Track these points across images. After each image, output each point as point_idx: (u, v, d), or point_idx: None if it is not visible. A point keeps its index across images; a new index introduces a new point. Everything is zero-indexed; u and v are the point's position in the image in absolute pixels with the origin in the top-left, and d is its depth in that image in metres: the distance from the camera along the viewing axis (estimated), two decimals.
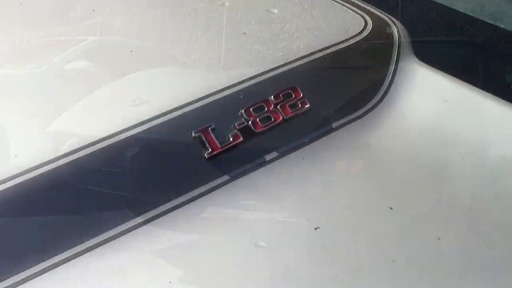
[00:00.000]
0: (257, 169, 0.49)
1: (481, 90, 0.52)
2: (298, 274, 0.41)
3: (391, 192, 0.48)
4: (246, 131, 0.49)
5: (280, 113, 0.50)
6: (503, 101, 0.52)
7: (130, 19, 0.65)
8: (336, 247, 0.43)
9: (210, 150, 0.47)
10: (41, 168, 0.45)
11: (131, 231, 0.44)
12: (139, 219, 0.45)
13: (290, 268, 0.42)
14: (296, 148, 0.50)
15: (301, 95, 0.51)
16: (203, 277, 0.42)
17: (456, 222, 0.45)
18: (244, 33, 0.59)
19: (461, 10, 0.69)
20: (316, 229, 0.43)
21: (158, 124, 0.48)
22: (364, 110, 0.54)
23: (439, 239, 0.43)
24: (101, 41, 0.61)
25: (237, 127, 0.49)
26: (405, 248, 0.43)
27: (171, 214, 0.45)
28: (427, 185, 0.48)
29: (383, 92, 0.54)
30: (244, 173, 0.48)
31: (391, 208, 0.45)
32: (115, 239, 0.43)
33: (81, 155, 0.46)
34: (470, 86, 0.53)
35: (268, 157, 0.49)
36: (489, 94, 0.53)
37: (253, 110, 0.50)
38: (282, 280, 0.41)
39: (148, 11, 0.65)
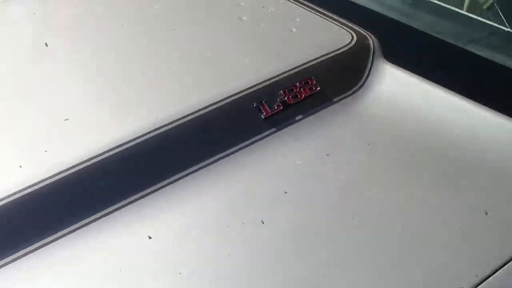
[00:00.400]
0: (290, 125, 0.80)
1: (423, 79, 0.84)
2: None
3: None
4: (284, 103, 0.81)
5: (303, 92, 0.82)
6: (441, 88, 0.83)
7: None
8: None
9: (265, 114, 0.79)
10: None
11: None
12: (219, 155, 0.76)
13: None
14: (313, 114, 0.82)
15: (315, 82, 0.83)
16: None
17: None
18: (277, 45, 0.91)
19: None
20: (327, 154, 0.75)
21: (236, 98, 0.80)
22: (352, 91, 0.86)
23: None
24: None
25: (279, 101, 0.81)
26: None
27: (240, 151, 0.76)
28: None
29: (364, 80, 0.85)
30: (282, 128, 0.80)
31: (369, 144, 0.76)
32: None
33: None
34: (417, 76, 0.85)
35: (297, 118, 0.81)
36: (431, 83, 0.85)
37: (288, 91, 0.82)
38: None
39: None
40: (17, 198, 0.66)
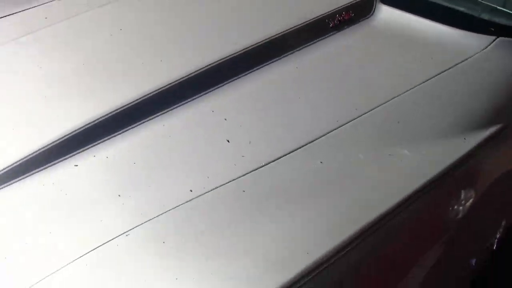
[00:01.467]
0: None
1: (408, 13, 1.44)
2: None
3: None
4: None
5: (345, 17, 1.38)
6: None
7: None
8: None
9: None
10: None
11: None
12: None
13: None
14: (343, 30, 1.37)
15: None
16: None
17: None
18: None
19: None
20: None
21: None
22: (363, 20, 1.45)
23: None
24: None
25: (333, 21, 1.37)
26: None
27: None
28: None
29: (371, 12, 1.44)
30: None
31: None
32: None
33: None
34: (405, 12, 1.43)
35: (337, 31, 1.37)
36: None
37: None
38: None
39: None
40: None
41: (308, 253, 0.77)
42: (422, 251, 0.96)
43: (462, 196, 1.00)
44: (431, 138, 1.05)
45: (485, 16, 1.40)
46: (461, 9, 1.43)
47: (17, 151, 0.94)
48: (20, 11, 1.41)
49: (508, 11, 1.40)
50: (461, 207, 0.99)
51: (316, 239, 0.80)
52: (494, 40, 1.34)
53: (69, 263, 0.76)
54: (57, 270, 0.76)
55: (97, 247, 0.78)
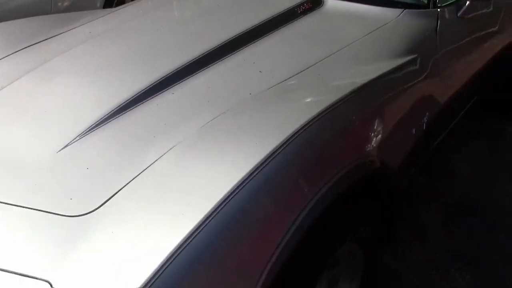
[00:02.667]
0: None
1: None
2: None
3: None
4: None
5: (306, 7, 2.13)
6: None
7: None
8: None
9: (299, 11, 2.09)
10: None
11: None
12: None
13: None
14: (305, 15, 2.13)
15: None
16: None
17: None
18: None
19: None
20: None
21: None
22: (317, 8, 2.19)
23: None
24: None
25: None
26: None
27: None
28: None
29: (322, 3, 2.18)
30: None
31: None
32: None
33: None
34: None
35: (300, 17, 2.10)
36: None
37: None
38: None
39: None
40: None
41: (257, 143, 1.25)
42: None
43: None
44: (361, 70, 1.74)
45: None
46: None
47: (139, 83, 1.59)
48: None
49: None
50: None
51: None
52: (402, 12, 2.10)
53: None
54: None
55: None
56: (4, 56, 1.89)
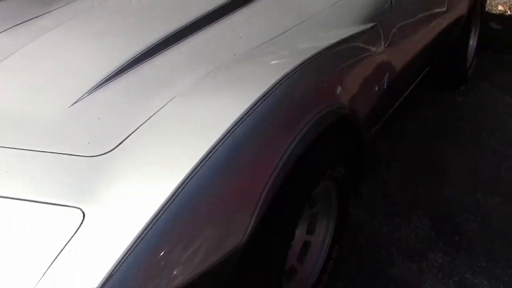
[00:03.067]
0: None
1: None
2: None
3: None
4: None
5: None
6: None
7: None
8: None
9: None
10: None
11: None
12: None
13: None
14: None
15: None
16: None
17: None
18: None
19: None
20: None
21: None
22: None
23: None
24: None
25: None
26: None
27: None
28: None
29: None
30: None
31: None
32: None
33: None
34: None
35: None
36: None
37: None
38: None
39: None
40: None
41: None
42: None
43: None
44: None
45: None
46: None
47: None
48: None
49: None
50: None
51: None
52: None
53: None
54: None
55: None
56: (5, 29, 2.04)
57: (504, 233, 2.25)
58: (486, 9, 4.90)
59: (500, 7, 4.99)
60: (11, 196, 1.26)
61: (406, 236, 2.24)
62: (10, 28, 2.06)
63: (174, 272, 1.20)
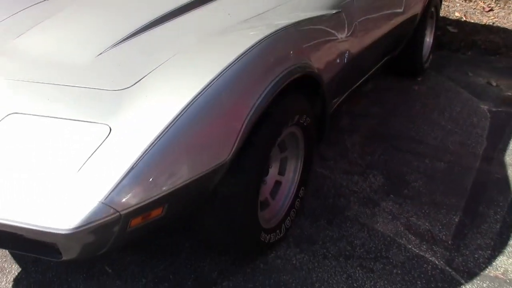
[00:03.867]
0: None
1: None
2: None
3: None
4: None
5: None
6: None
7: None
8: None
9: None
10: None
11: None
12: None
13: None
14: None
15: None
16: None
17: None
18: None
19: None
20: None
21: None
22: None
23: None
24: None
25: None
26: None
27: None
28: None
29: None
30: None
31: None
32: None
33: None
34: None
35: None
36: None
37: None
38: None
39: None
40: None
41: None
42: None
43: None
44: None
45: None
46: None
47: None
48: None
49: None
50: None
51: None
52: None
53: None
54: None
55: None
56: (25, 7, 2.46)
57: (446, 188, 2.70)
58: (445, 15, 5.45)
59: (456, 14, 5.53)
60: (56, 116, 1.67)
61: (362, 189, 2.68)
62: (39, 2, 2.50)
63: (176, 173, 1.61)
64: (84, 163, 1.54)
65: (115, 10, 2.40)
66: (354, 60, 2.71)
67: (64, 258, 1.59)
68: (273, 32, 1.97)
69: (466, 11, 5.59)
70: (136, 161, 1.51)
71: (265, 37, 1.92)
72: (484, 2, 5.64)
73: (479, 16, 5.43)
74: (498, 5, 5.59)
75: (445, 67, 4.41)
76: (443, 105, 3.67)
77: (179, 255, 2.19)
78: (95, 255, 1.64)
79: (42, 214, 1.48)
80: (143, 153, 1.52)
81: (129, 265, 2.13)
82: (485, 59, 4.65)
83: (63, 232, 1.46)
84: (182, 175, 1.62)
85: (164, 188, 1.57)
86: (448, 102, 3.73)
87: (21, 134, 1.68)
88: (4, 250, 2.18)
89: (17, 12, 2.47)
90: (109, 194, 1.48)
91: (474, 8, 5.65)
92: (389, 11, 3.28)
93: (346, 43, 2.61)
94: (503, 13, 5.46)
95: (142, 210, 1.55)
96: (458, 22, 5.40)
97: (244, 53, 1.80)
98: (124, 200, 1.50)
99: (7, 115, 1.75)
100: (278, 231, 2.17)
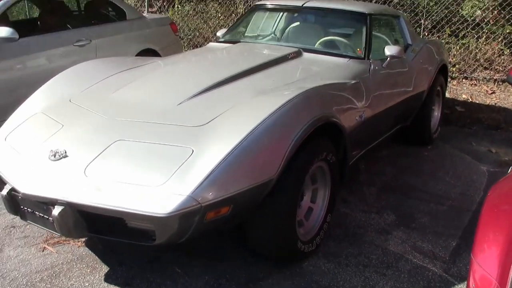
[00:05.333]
0: None
1: None
2: None
3: None
4: None
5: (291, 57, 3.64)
6: None
7: None
8: None
9: None
10: None
11: None
12: None
13: None
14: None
15: None
16: None
17: None
18: None
19: None
20: None
21: None
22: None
23: None
24: None
25: None
26: None
27: None
28: None
29: None
30: None
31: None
32: None
33: None
34: None
35: None
36: None
37: None
38: None
39: None
40: None
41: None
42: None
43: None
44: None
45: None
46: None
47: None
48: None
49: None
50: None
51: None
52: (348, 60, 3.60)
53: None
54: None
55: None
56: (117, 72, 3.31)
57: (446, 223, 3.31)
58: (454, 97, 6.22)
59: (464, 96, 6.30)
60: (152, 142, 2.41)
61: (377, 223, 3.30)
62: (134, 67, 3.35)
63: (239, 181, 2.29)
64: (176, 170, 2.25)
65: (188, 75, 3.25)
66: (370, 121, 3.43)
67: (156, 242, 2.25)
68: (306, 91, 2.72)
69: (472, 94, 6.35)
70: (212, 170, 2.21)
71: (300, 93, 2.66)
72: (487, 86, 6.42)
73: (483, 97, 6.18)
74: (500, 88, 6.36)
75: (452, 138, 5.10)
76: (448, 166, 4.33)
77: (234, 259, 2.81)
78: (177, 241, 2.29)
79: (148, 204, 2.17)
80: (217, 166, 2.23)
81: (194, 267, 2.76)
82: (488, 133, 5.34)
83: (162, 215, 2.13)
84: (244, 183, 2.30)
85: (231, 191, 2.26)
86: (452, 164, 4.39)
87: (127, 153, 2.41)
88: (95, 253, 2.84)
89: (111, 75, 3.31)
90: (194, 190, 2.17)
91: (479, 91, 6.42)
92: (399, 87, 4.04)
93: (363, 106, 3.35)
94: (503, 95, 6.21)
95: (215, 205, 2.22)
96: (465, 103, 6.15)
97: (285, 103, 2.54)
98: (204, 195, 2.18)
99: (115, 141, 2.48)
100: (310, 244, 2.80)
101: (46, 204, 2.35)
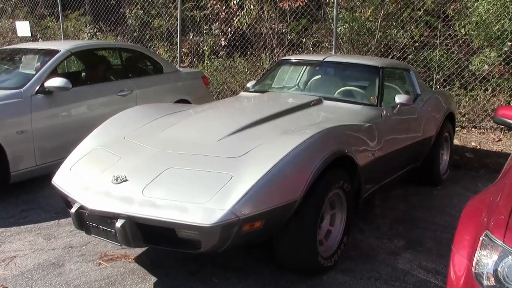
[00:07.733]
0: None
1: None
2: None
3: None
4: None
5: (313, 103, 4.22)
6: None
7: None
8: None
9: None
10: None
11: None
12: None
13: None
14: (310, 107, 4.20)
15: None
16: None
17: None
18: None
19: None
20: None
21: None
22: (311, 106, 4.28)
23: None
24: None
25: None
26: None
27: None
28: None
29: None
30: None
31: None
32: None
33: None
34: None
35: None
36: None
37: None
38: None
39: None
40: None
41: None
42: None
43: None
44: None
45: None
46: None
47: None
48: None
49: None
50: None
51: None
52: (362, 107, 4.17)
53: None
54: None
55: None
56: (163, 115, 3.92)
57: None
58: (463, 144, 6.71)
59: (473, 143, 6.78)
60: (198, 169, 2.96)
61: (388, 247, 3.76)
62: (177, 111, 3.95)
63: (270, 200, 2.81)
64: (219, 191, 2.78)
65: (225, 117, 3.87)
66: (381, 160, 3.94)
67: (201, 249, 2.76)
68: (325, 129, 3.27)
69: (480, 141, 6.83)
70: (248, 190, 2.73)
71: (320, 131, 3.21)
72: (494, 134, 6.91)
73: (490, 144, 6.66)
74: (506, 136, 6.85)
75: (460, 180, 5.56)
76: (455, 203, 4.79)
77: (263, 271, 3.29)
78: (219, 250, 2.79)
79: (195, 216, 2.69)
80: (252, 187, 2.75)
81: (229, 278, 3.24)
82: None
83: (207, 225, 2.64)
84: (274, 201, 2.82)
85: (263, 208, 2.77)
86: (459, 201, 4.84)
87: (177, 178, 2.95)
88: (144, 268, 3.34)
89: (158, 118, 3.92)
90: (234, 206, 2.69)
91: (487, 139, 6.91)
92: (409, 131, 4.57)
93: (375, 146, 3.87)
94: (509, 142, 6.68)
95: (251, 219, 2.73)
96: (473, 150, 6.62)
97: (308, 138, 3.08)
98: (241, 210, 2.69)
99: (166, 169, 3.03)
100: (329, 260, 3.27)
101: (110, 218, 2.87)
